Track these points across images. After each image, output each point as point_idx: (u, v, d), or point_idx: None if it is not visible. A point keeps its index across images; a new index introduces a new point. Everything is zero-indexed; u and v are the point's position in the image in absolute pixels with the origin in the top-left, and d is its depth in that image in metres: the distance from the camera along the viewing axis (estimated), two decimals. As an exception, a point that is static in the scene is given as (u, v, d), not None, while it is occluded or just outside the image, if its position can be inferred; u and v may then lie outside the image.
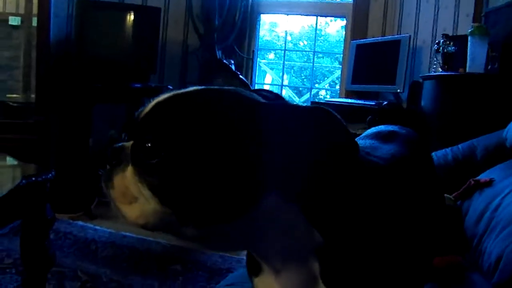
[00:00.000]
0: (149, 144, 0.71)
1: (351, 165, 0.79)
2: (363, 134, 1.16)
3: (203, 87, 0.78)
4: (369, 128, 1.21)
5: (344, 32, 5.23)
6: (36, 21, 3.86)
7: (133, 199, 0.73)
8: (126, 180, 0.74)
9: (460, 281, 1.50)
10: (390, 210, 0.85)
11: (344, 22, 5.34)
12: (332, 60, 6.44)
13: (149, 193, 0.71)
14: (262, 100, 0.77)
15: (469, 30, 3.09)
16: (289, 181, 0.72)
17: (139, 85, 4.07)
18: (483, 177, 1.96)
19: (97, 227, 3.37)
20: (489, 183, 1.86)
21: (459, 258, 1.59)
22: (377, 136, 1.10)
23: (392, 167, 0.94)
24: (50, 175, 1.95)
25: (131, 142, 0.75)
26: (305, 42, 6.70)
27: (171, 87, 3.54)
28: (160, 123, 0.72)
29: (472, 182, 1.92)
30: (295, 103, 0.78)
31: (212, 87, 0.78)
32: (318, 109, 0.74)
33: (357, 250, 0.78)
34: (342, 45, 5.26)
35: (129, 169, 0.74)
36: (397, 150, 1.02)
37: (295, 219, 0.75)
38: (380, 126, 1.20)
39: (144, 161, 0.72)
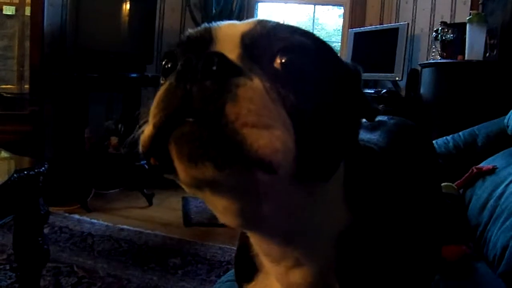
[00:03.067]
0: (284, 58, 0.59)
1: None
2: None
3: None
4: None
5: (341, 21, 5.20)
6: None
7: (264, 123, 0.52)
8: (256, 95, 0.53)
9: (468, 271, 1.47)
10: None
11: (340, 11, 5.30)
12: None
13: (288, 117, 0.55)
14: None
15: (468, 18, 3.07)
16: (351, 145, 0.70)
17: (135, 75, 4.02)
18: (485, 164, 1.93)
19: (94, 221, 3.33)
20: (492, 170, 1.84)
21: (464, 247, 1.56)
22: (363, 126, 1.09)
23: (375, 151, 0.91)
24: (42, 168, 1.90)
25: (231, 54, 0.58)
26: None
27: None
28: (288, 36, 0.61)
29: (475, 170, 1.90)
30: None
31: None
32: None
33: (375, 236, 0.74)
34: (339, 34, 5.24)
35: (262, 81, 0.56)
36: (382, 137, 0.99)
37: (340, 191, 0.71)
38: None
39: (279, 76, 0.57)
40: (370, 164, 0.77)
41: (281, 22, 0.64)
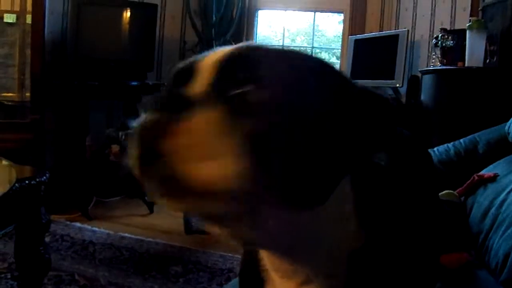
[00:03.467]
0: (243, 86, 0.57)
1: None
2: None
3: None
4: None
5: (341, 27, 5.22)
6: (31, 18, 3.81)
7: (207, 154, 0.54)
8: (208, 125, 0.55)
9: (469, 279, 1.47)
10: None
11: (340, 17, 5.31)
12: (329, 55, 6.42)
13: (241, 146, 0.54)
14: None
15: (467, 24, 3.07)
16: (359, 166, 0.68)
17: (136, 83, 4.03)
18: (486, 172, 1.93)
19: (95, 229, 3.33)
20: (493, 178, 1.83)
21: (465, 255, 1.56)
22: None
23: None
24: (44, 177, 1.91)
25: (202, 85, 0.59)
26: (302, 38, 6.67)
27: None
28: (257, 64, 0.60)
29: (476, 178, 1.89)
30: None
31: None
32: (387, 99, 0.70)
33: (387, 256, 0.73)
34: (339, 40, 5.25)
35: (215, 112, 0.57)
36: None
37: (348, 211, 0.69)
38: None
39: (232, 106, 0.57)
40: (379, 181, 0.75)
41: (269, 46, 0.64)
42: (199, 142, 0.54)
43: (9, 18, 3.98)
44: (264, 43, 0.66)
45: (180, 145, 0.54)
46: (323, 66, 0.66)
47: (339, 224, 0.69)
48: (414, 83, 4.04)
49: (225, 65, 0.60)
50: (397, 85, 4.10)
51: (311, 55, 0.69)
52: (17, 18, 3.99)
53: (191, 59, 0.66)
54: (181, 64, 0.66)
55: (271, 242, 0.65)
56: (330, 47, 6.39)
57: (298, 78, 0.61)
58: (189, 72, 0.63)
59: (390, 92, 4.30)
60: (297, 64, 0.63)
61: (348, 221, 0.70)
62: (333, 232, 0.68)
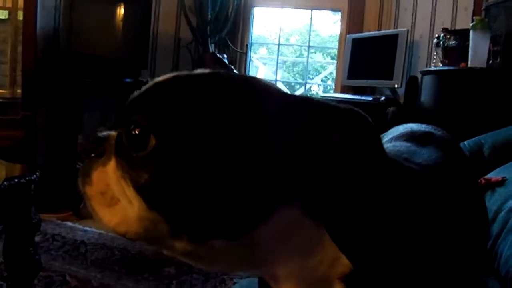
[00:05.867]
0: (137, 130, 0.58)
1: (386, 177, 0.66)
2: (394, 135, 1.03)
3: (214, 70, 0.63)
4: (390, 121, 1.09)
5: (338, 27, 5.19)
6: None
7: (113, 201, 0.61)
8: (107, 175, 0.62)
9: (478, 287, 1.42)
10: (435, 230, 0.72)
11: (336, 17, 5.28)
12: (324, 55, 6.40)
13: (134, 193, 0.58)
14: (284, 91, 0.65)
15: (471, 24, 3.03)
16: (313, 190, 0.60)
17: (129, 80, 3.97)
18: (493, 175, 1.87)
19: (87, 228, 3.27)
20: (501, 182, 1.78)
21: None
22: (411, 137, 0.97)
23: (438, 177, 0.81)
24: (34, 176, 1.84)
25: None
26: (297, 37, 6.66)
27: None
28: (152, 104, 0.59)
29: (483, 181, 1.84)
30: (322, 100, 0.63)
31: (224, 71, 0.65)
32: (353, 112, 0.61)
33: (393, 281, 0.66)
34: (335, 40, 5.22)
35: (112, 162, 0.62)
36: (439, 156, 0.89)
37: (317, 238, 0.63)
38: (410, 125, 1.08)
39: (129, 151, 0.59)
40: (358, 206, 0.65)
41: (185, 75, 0.63)
42: (103, 190, 0.62)
43: (1, 14, 3.97)
44: (183, 73, 0.64)
45: (92, 193, 0.64)
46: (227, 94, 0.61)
47: (306, 250, 0.63)
48: (412, 84, 4.00)
49: (127, 109, 0.62)
50: (396, 85, 4.06)
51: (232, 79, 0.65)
52: (9, 14, 3.96)
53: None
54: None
55: (224, 265, 0.66)
56: (325, 47, 6.37)
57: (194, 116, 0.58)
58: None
59: (388, 92, 4.26)
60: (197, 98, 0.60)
61: (320, 247, 0.63)
62: (302, 256, 0.64)
